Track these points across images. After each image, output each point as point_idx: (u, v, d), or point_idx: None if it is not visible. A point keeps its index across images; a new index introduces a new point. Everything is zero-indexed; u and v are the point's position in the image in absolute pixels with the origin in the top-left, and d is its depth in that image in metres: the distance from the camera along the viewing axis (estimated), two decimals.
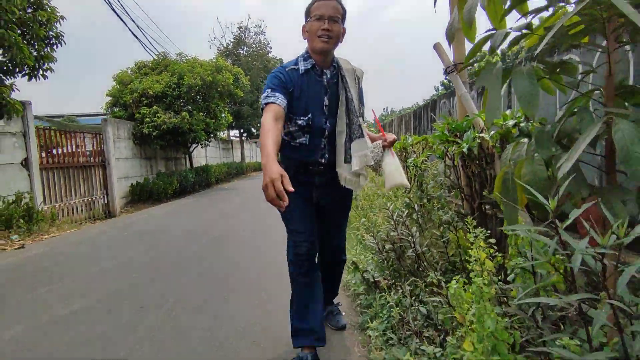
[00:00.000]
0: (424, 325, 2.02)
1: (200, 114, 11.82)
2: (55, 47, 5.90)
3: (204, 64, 12.50)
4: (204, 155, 16.82)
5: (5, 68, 5.32)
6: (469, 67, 2.12)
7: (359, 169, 1.92)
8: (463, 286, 1.62)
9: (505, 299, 1.58)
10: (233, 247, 4.75)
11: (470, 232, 1.75)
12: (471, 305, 1.45)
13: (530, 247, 1.35)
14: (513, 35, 1.55)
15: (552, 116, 2.75)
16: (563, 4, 1.49)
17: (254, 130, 24.00)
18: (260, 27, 24.26)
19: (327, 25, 1.80)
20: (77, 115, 21.15)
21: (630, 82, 1.87)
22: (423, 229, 3.22)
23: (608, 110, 1.33)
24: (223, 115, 13.33)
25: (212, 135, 13.43)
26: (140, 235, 5.80)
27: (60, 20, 5.95)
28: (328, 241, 2.21)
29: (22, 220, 5.96)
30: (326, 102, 1.93)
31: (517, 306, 1.41)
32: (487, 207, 2.74)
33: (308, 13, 1.88)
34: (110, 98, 11.87)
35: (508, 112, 2.49)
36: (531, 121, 2.30)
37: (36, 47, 5.51)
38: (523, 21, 1.52)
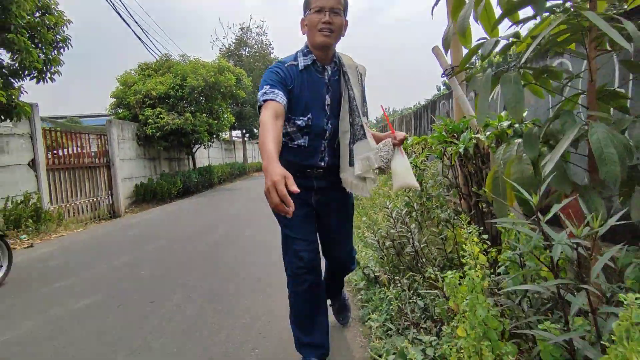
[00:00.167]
0: (422, 317, 2.13)
1: (203, 115, 11.95)
2: (62, 50, 6.01)
3: (206, 65, 12.62)
4: (206, 155, 16.95)
5: (14, 70, 5.43)
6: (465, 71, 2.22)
7: (362, 172, 1.78)
8: (459, 280, 1.72)
9: (496, 290, 1.68)
10: (237, 246, 4.86)
11: (464, 229, 1.85)
12: (465, 296, 1.56)
13: (517, 240, 1.45)
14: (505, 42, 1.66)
15: (545, 117, 2.84)
16: (548, 13, 1.60)
17: (256, 130, 24.11)
18: (262, 27, 24.34)
19: (328, 17, 1.66)
20: (80, 117, 21.32)
21: (616, 85, 1.97)
22: (422, 226, 3.33)
23: (590, 114, 1.44)
24: (225, 116, 13.45)
25: (214, 136, 13.56)
26: (146, 234, 5.91)
27: (67, 24, 6.07)
28: (335, 249, 2.05)
29: (30, 220, 6.09)
30: (328, 100, 1.80)
31: (507, 296, 1.52)
32: (483, 204, 2.84)
33: (307, 5, 1.73)
34: (114, 99, 12.01)
35: (503, 113, 2.59)
36: (525, 122, 2.41)
37: (44, 50, 5.62)
38: (513, 30, 1.63)
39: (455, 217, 2.89)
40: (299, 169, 1.82)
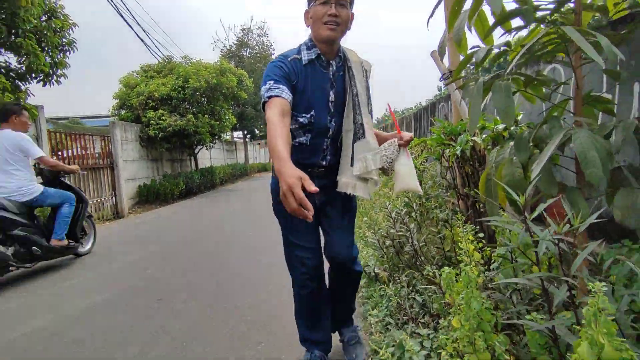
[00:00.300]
0: (420, 312, 2.23)
1: (205, 116, 12.06)
2: (68, 53, 6.12)
3: (208, 66, 12.74)
4: (208, 156, 17.06)
5: (21, 74, 5.55)
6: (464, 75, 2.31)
7: (360, 173, 1.70)
8: (456, 276, 1.82)
9: (490, 285, 1.77)
10: (241, 246, 4.97)
11: (459, 228, 1.95)
12: (461, 291, 1.65)
13: (510, 239, 1.55)
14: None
15: (539, 120, 2.94)
16: (536, 23, 1.70)
17: (257, 131, 24.24)
18: (263, 29, 24.42)
19: (334, 9, 1.58)
20: (81, 118, 21.47)
21: (604, 90, 2.07)
22: (421, 226, 3.42)
23: (576, 119, 1.54)
24: (227, 117, 13.57)
25: (216, 137, 13.67)
26: (151, 235, 6.02)
27: (73, 27, 6.18)
28: (335, 249, 1.88)
29: None
30: (332, 97, 1.72)
31: (499, 290, 1.61)
32: (480, 205, 2.93)
33: None
34: (117, 101, 12.14)
35: (499, 117, 2.67)
36: (520, 125, 2.51)
37: (50, 53, 5.74)
38: (505, 38, 1.73)
39: (453, 217, 2.99)
40: (301, 168, 1.69)
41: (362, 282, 3.01)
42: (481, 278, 1.84)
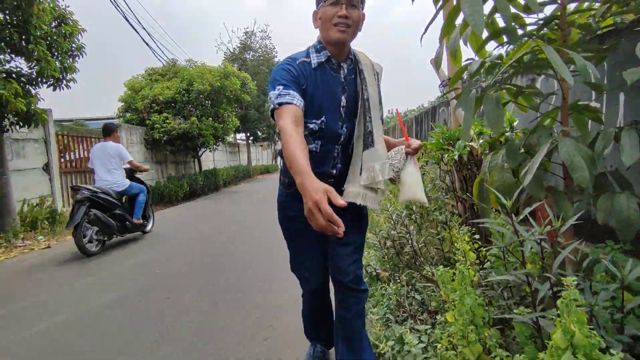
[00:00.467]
0: (419, 310, 2.34)
1: (209, 119, 12.21)
2: (77, 58, 6.28)
3: (212, 70, 12.90)
4: (211, 159, 17.21)
5: (31, 79, 5.70)
6: (463, 79, 2.43)
7: (367, 184, 1.58)
8: (453, 275, 1.93)
9: (483, 282, 1.89)
10: (246, 246, 5.09)
11: (456, 229, 2.07)
12: (456, 288, 1.77)
13: (501, 239, 1.66)
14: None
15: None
16: (527, 38, 1.82)
17: (260, 133, 24.40)
18: (265, 31, 24.65)
19: (344, 10, 1.49)
20: (86, 119, 21.65)
21: (593, 98, 2.18)
22: (421, 228, 3.53)
23: (562, 129, 1.66)
24: (230, 119, 13.71)
25: (220, 140, 13.82)
26: (157, 236, 6.15)
27: (82, 32, 6.34)
28: (339, 264, 1.71)
29: (46, 222, 6.33)
30: (344, 102, 1.62)
31: (491, 287, 1.72)
32: (478, 208, 3.05)
33: None
34: (122, 104, 12.31)
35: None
36: (516, 131, 2.62)
37: (60, 59, 5.88)
38: (498, 51, 1.85)
39: (452, 219, 3.10)
40: None
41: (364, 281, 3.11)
42: (476, 277, 1.95)
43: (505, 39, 1.82)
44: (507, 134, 2.63)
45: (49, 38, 5.67)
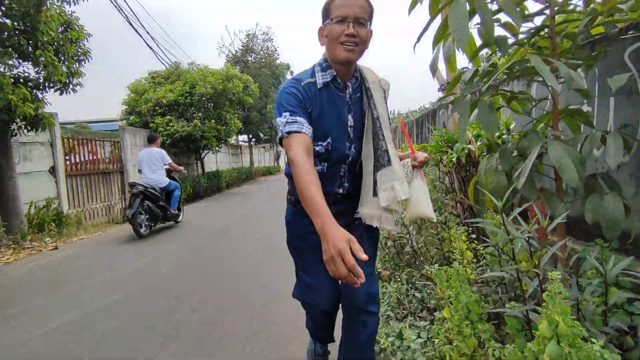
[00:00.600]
0: (418, 307, 2.42)
1: (212, 121, 12.32)
2: (83, 63, 6.39)
3: (215, 72, 13.01)
4: (214, 160, 17.32)
5: (38, 84, 5.82)
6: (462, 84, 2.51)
7: (388, 204, 1.52)
8: (449, 274, 2.02)
9: (479, 279, 1.97)
10: (250, 248, 5.18)
11: (453, 229, 2.15)
12: (453, 285, 1.85)
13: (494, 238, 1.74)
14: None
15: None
16: (517, 46, 1.90)
17: (262, 135, 24.53)
18: (267, 34, 24.75)
19: (352, 29, 1.43)
20: (88, 122, 21.81)
21: (585, 103, 2.26)
22: (421, 228, 3.62)
23: (553, 133, 1.74)
24: (233, 122, 13.82)
25: (222, 142, 13.93)
26: (162, 237, 6.24)
27: (87, 37, 6.45)
28: (349, 284, 1.57)
29: (53, 224, 6.44)
30: (350, 122, 1.58)
31: (486, 284, 1.81)
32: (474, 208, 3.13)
33: (327, 13, 1.49)
34: (126, 107, 12.44)
35: None
36: (512, 133, 2.70)
37: (67, 63, 6.00)
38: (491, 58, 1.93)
39: (450, 220, 3.18)
40: None
41: None
42: (473, 275, 2.04)
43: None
44: (504, 136, 2.71)
45: (55, 43, 5.78)
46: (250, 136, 24.13)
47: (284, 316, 2.83)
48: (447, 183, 3.60)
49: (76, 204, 7.99)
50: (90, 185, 8.62)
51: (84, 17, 6.63)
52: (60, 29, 6.01)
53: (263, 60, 23.95)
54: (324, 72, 1.55)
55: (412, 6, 1.79)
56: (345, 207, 1.63)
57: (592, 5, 1.66)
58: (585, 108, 2.29)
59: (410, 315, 2.34)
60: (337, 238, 1.07)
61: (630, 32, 1.89)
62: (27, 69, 5.80)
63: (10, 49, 5.19)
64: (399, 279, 2.77)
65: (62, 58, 5.98)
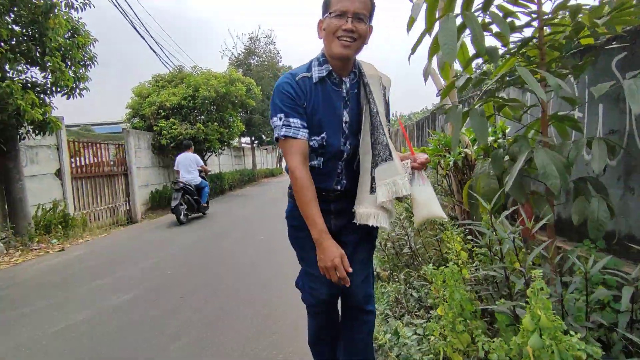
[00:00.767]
0: (415, 306, 2.50)
1: (215, 124, 12.45)
2: (89, 67, 6.52)
3: (217, 76, 13.13)
4: (217, 162, 17.43)
5: (45, 88, 5.94)
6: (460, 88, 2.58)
7: (386, 200, 1.49)
8: (443, 274, 2.10)
9: (473, 278, 2.05)
10: (253, 249, 5.27)
11: (449, 231, 2.23)
12: (448, 283, 1.93)
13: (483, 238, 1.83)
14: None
15: None
16: (509, 55, 1.99)
17: (264, 137, 24.65)
18: (270, 37, 24.93)
19: (350, 24, 1.42)
20: (92, 124, 22.00)
21: (576, 110, 2.35)
22: (420, 230, 3.70)
23: (542, 139, 1.83)
24: (236, 124, 13.94)
25: (225, 144, 14.04)
26: (166, 239, 6.35)
27: (93, 42, 6.58)
28: (351, 282, 1.57)
29: (59, 226, 6.55)
30: (346, 117, 1.56)
31: (480, 283, 1.89)
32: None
33: (327, 6, 1.48)
34: (130, 110, 12.59)
35: (489, 130, 2.96)
36: (508, 137, 2.79)
37: (73, 68, 6.13)
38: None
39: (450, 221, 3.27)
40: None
41: None
42: (468, 274, 2.12)
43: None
44: (499, 140, 2.80)
45: (62, 49, 5.91)
46: (253, 138, 24.26)
47: (284, 316, 2.92)
48: (445, 186, 3.69)
49: (81, 206, 8.11)
50: (95, 188, 8.74)
51: (90, 20, 6.76)
52: (67, 35, 6.14)
53: (266, 63, 24.12)
54: (320, 66, 1.55)
55: (410, 24, 1.88)
56: (342, 206, 1.62)
57: (577, 18, 1.75)
58: (577, 114, 2.37)
59: (407, 313, 2.43)
60: (333, 255, 1.34)
61: (614, 43, 1.98)
62: (35, 74, 5.95)
63: (19, 55, 5.32)
64: (397, 279, 2.85)
65: (69, 63, 6.11)
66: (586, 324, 1.34)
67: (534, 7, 1.84)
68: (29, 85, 5.74)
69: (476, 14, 1.84)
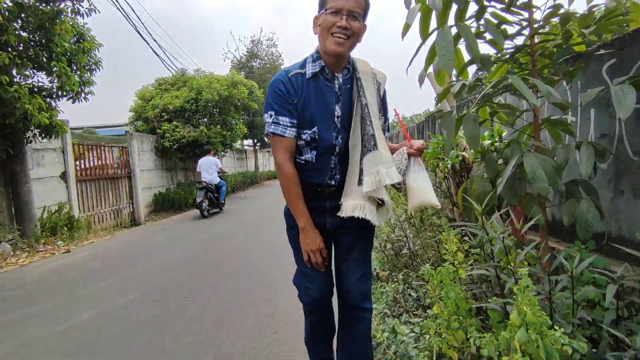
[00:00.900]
0: (413, 305, 2.57)
1: (217, 126, 12.55)
2: (94, 72, 6.63)
3: (220, 79, 13.26)
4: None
5: (51, 93, 6.05)
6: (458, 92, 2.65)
7: (371, 190, 1.51)
8: (439, 274, 2.16)
9: (468, 277, 2.12)
10: (256, 250, 5.35)
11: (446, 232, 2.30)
12: (444, 282, 2.00)
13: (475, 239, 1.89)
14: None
15: None
16: (504, 61, 2.06)
17: (267, 139, 24.72)
18: (272, 40, 25.08)
19: (344, 22, 1.47)
20: (95, 127, 22.14)
21: (570, 114, 2.41)
22: (419, 231, 3.77)
23: (534, 144, 1.89)
24: (238, 127, 14.04)
25: (228, 146, 14.15)
26: (170, 240, 6.44)
27: (98, 48, 6.69)
28: (343, 281, 1.75)
29: (65, 228, 6.65)
30: (338, 112, 1.59)
31: (472, 281, 1.96)
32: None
33: (323, 3, 1.53)
34: (133, 113, 12.71)
35: (486, 133, 3.03)
36: (504, 140, 2.86)
37: (79, 73, 6.24)
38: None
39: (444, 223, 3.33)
40: (309, 187, 1.64)
41: None
42: (464, 274, 2.18)
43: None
44: (496, 144, 2.87)
45: (68, 54, 6.02)
46: (255, 141, 24.36)
47: (285, 315, 2.99)
48: (444, 188, 3.75)
49: (86, 209, 8.21)
50: (99, 190, 8.84)
51: (93, 24, 6.85)
52: (73, 40, 6.26)
53: (268, 65, 24.24)
54: (314, 62, 1.59)
55: (405, 31, 1.95)
56: (338, 203, 1.62)
57: (567, 26, 1.82)
58: (570, 118, 2.44)
59: (405, 312, 2.49)
60: (314, 243, 1.59)
61: (601, 50, 2.05)
62: (41, 78, 6.06)
63: (26, 60, 5.42)
64: (396, 280, 2.92)
65: (75, 68, 6.22)
66: (573, 320, 1.41)
67: (526, 15, 1.91)
68: (35, 89, 5.85)
69: (471, 21, 1.92)
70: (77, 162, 8.16)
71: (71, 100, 6.25)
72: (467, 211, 2.10)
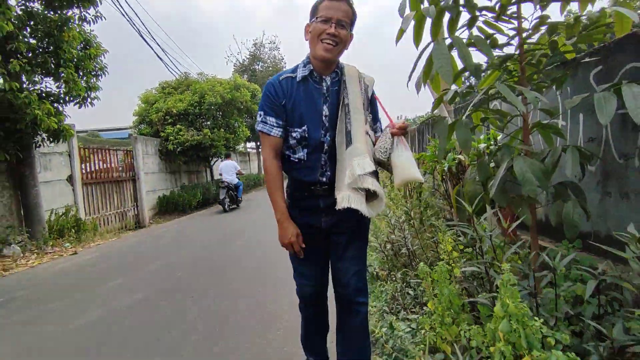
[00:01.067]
0: (411, 303, 2.67)
1: (221, 130, 12.68)
2: (100, 77, 6.77)
3: (223, 82, 13.39)
4: None
5: (58, 98, 6.19)
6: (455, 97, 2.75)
7: (350, 181, 1.61)
8: (434, 272, 2.26)
9: (463, 275, 2.22)
10: (259, 251, 5.46)
11: (442, 232, 2.40)
12: (440, 280, 2.10)
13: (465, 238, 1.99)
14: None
15: None
16: (495, 68, 2.16)
17: None
18: (274, 43, 25.30)
19: (333, 29, 1.62)
20: (99, 130, 22.35)
21: (560, 118, 2.51)
22: (418, 232, 3.87)
23: (524, 148, 1.99)
24: (241, 129, 14.17)
25: (231, 149, 14.28)
26: (175, 242, 6.56)
27: (104, 53, 6.83)
28: (339, 277, 1.84)
29: (72, 230, 6.79)
30: (325, 111, 1.73)
31: (466, 278, 2.05)
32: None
33: (314, 12, 1.69)
34: (137, 117, 12.87)
35: (482, 137, 3.12)
36: (499, 144, 2.95)
37: (85, 79, 6.38)
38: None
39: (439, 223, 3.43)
40: (303, 186, 1.78)
41: None
42: (459, 272, 2.28)
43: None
44: (491, 147, 2.97)
45: (75, 60, 6.16)
46: (258, 143, 24.51)
47: (289, 312, 3.09)
48: (442, 190, 3.85)
49: (92, 211, 8.35)
50: (105, 193, 8.98)
51: (97, 28, 6.98)
52: (80, 47, 6.40)
53: (270, 68, 24.42)
54: (304, 67, 1.75)
55: (399, 37, 2.06)
56: (331, 201, 1.69)
57: (553, 37, 1.92)
58: (561, 122, 2.54)
59: (403, 310, 2.59)
60: (290, 234, 1.71)
61: (587, 58, 2.15)
62: (49, 84, 6.20)
63: (35, 67, 5.57)
64: (394, 279, 3.02)
65: (81, 73, 6.36)
66: (556, 314, 1.50)
67: (516, 23, 2.01)
68: (43, 95, 5.99)
69: (463, 29, 2.03)
70: (83, 166, 8.30)
71: (78, 105, 6.39)
72: (460, 212, 2.20)
